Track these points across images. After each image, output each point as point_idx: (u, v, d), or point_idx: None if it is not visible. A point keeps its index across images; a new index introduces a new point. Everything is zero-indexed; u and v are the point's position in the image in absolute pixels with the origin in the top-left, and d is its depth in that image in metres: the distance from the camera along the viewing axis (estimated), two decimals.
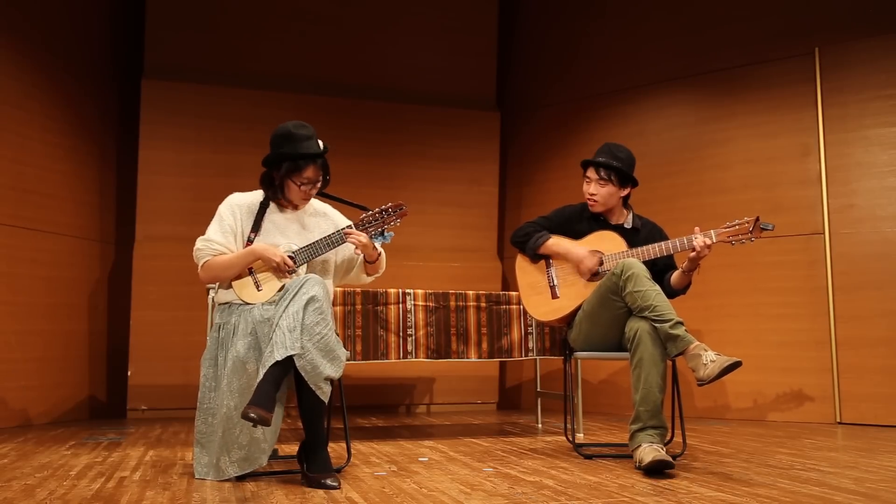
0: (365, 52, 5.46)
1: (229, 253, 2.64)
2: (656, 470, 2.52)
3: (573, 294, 3.10)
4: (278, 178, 2.68)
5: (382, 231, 2.64)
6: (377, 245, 2.69)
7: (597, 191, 3.15)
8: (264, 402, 2.24)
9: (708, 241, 2.88)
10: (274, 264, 2.59)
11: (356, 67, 5.43)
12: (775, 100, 4.69)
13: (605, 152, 3.17)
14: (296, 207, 2.76)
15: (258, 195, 2.78)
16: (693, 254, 2.90)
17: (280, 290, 2.59)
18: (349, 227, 2.65)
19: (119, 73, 5.18)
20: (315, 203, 2.85)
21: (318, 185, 2.71)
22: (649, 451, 2.58)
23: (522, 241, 3.22)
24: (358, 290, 3.51)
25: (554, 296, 3.15)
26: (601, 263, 3.08)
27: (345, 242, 2.63)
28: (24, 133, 4.36)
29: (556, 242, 3.15)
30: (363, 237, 2.61)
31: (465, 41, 5.65)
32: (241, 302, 2.61)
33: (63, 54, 4.70)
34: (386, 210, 2.64)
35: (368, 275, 2.85)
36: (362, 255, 2.75)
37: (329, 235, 2.64)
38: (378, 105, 5.44)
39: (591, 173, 3.17)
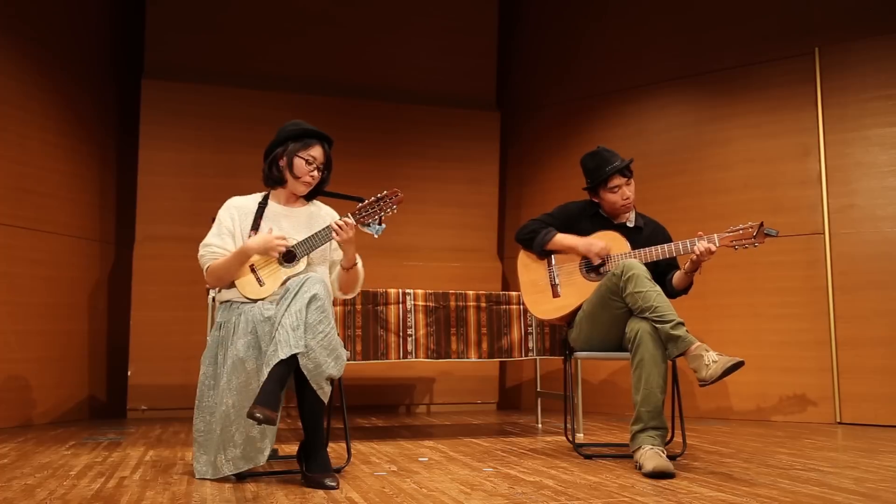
0: (365, 53, 5.46)
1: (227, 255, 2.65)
2: (657, 478, 2.52)
3: (574, 293, 3.10)
4: (286, 159, 2.70)
5: (380, 219, 2.65)
6: (374, 235, 2.69)
7: (630, 191, 3.17)
8: (270, 401, 2.25)
9: (712, 248, 2.88)
10: (270, 249, 2.59)
11: (356, 68, 5.43)
12: (775, 100, 4.69)
13: (612, 153, 3.18)
14: (297, 198, 2.78)
15: (257, 197, 2.81)
16: (695, 257, 2.90)
17: (282, 284, 2.59)
18: (341, 218, 2.65)
19: (119, 73, 5.18)
20: (315, 202, 2.88)
21: (321, 171, 2.73)
22: (651, 455, 2.58)
23: (528, 238, 3.20)
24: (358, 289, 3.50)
25: (555, 294, 3.15)
26: (609, 252, 3.09)
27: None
28: (24, 133, 4.36)
29: (564, 236, 3.15)
30: (351, 232, 2.60)
31: (465, 41, 5.65)
32: (242, 300, 2.61)
33: (63, 54, 4.69)
34: (381, 198, 2.65)
35: (342, 290, 2.84)
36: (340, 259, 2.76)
37: (325, 228, 2.65)
38: (378, 105, 5.44)
39: (617, 180, 3.14)
